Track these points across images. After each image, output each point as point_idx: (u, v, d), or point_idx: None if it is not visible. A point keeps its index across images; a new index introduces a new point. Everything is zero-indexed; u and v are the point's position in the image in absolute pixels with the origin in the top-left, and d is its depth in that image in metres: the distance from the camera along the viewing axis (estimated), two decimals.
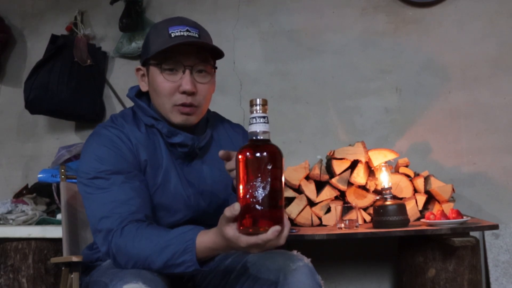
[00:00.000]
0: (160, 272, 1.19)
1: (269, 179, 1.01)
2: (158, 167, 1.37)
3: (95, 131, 1.39)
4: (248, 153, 1.03)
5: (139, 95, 1.45)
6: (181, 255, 1.14)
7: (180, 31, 1.32)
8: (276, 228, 1.01)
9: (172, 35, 1.31)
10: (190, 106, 1.35)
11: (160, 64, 1.33)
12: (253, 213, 1.01)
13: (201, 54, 1.35)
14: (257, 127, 1.06)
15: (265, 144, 1.05)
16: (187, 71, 1.33)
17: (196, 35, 1.33)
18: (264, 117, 1.06)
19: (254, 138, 1.06)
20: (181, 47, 1.31)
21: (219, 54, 1.38)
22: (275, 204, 1.02)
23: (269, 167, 1.02)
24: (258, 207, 1.01)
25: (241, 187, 1.03)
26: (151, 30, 1.40)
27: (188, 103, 1.34)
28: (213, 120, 1.51)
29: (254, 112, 1.06)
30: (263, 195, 1.01)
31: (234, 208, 1.01)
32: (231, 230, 1.04)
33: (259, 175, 1.01)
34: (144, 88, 1.42)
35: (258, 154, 1.03)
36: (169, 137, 1.37)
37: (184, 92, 1.33)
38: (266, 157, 1.02)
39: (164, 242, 1.16)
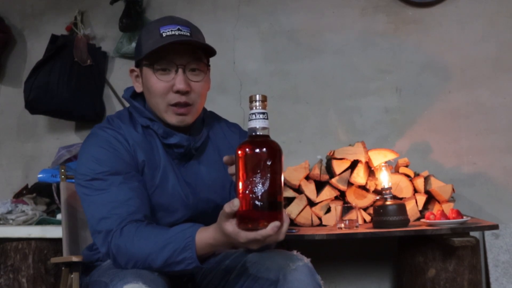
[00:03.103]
0: (160, 271, 1.19)
1: (268, 175, 1.01)
2: (156, 168, 1.37)
3: (91, 132, 1.39)
4: (247, 149, 1.03)
5: (134, 96, 1.45)
6: (181, 253, 1.14)
7: (171, 30, 1.31)
8: (276, 223, 1.01)
9: (164, 34, 1.31)
10: (185, 105, 1.34)
11: (153, 65, 1.33)
12: (252, 209, 1.01)
13: (193, 52, 1.34)
14: (257, 123, 1.05)
15: (264, 140, 1.05)
16: (180, 70, 1.33)
17: (188, 34, 1.32)
18: (263, 113, 1.06)
19: (253, 134, 1.06)
20: (173, 46, 1.30)
21: (212, 51, 1.37)
22: (274, 200, 1.02)
23: (269, 163, 1.02)
24: (257, 202, 1.01)
25: (240, 183, 1.02)
26: (143, 31, 1.39)
27: (183, 102, 1.34)
28: (209, 119, 1.51)
29: (254, 108, 1.06)
30: (263, 191, 1.00)
31: (234, 204, 1.02)
32: (231, 226, 1.04)
33: (259, 171, 1.01)
34: (138, 89, 1.42)
35: (257, 150, 1.02)
36: (164, 138, 1.37)
37: (177, 92, 1.32)
38: (266, 153, 1.02)
39: (164, 240, 1.16)
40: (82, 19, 2.98)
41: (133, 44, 2.82)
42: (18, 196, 2.62)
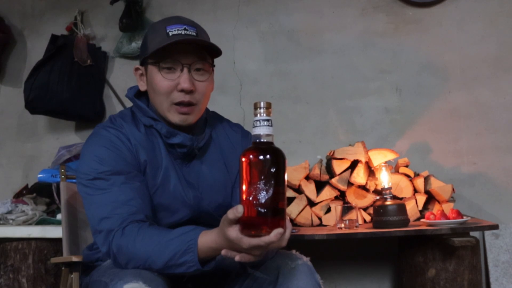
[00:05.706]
0: (161, 272, 1.19)
1: (272, 182, 1.02)
2: (158, 168, 1.37)
3: (94, 132, 1.39)
4: (251, 156, 1.04)
5: (138, 95, 1.45)
6: (183, 255, 1.14)
7: (178, 30, 1.32)
8: (279, 230, 1.02)
9: (170, 33, 1.31)
10: (189, 105, 1.35)
11: (158, 63, 1.33)
12: (255, 215, 1.02)
13: (199, 52, 1.35)
14: (261, 130, 1.06)
15: (268, 147, 1.06)
16: (185, 69, 1.33)
17: (194, 34, 1.33)
18: (268, 120, 1.06)
19: (257, 140, 1.06)
20: (179, 46, 1.31)
21: (217, 52, 1.38)
22: (278, 207, 1.03)
23: (273, 170, 1.02)
24: (261, 209, 1.01)
25: (244, 189, 1.03)
26: (149, 29, 1.40)
27: (187, 101, 1.34)
28: (211, 120, 1.51)
29: (258, 115, 1.07)
30: (266, 197, 1.01)
31: (238, 210, 1.02)
32: (234, 232, 1.04)
33: (262, 177, 1.02)
34: (142, 87, 1.42)
35: (261, 157, 1.03)
36: (168, 137, 1.37)
37: (182, 90, 1.33)
38: (270, 160, 1.03)
39: (166, 242, 1.16)
40: (82, 19, 2.98)
41: (133, 44, 2.82)
42: (18, 196, 2.62)
